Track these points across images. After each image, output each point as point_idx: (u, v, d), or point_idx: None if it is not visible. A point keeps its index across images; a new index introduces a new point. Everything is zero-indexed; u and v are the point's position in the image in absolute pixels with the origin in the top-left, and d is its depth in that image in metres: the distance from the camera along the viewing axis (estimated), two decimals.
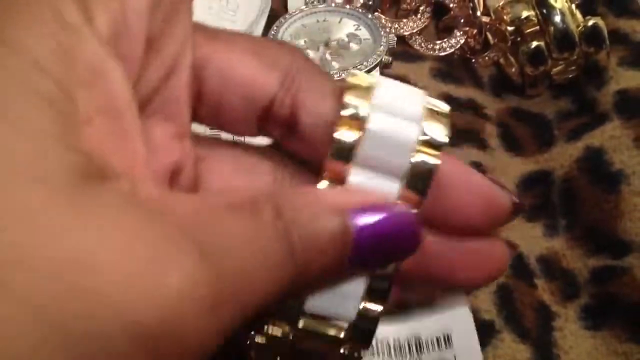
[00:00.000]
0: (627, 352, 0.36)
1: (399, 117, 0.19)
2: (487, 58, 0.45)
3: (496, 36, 0.45)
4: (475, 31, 0.45)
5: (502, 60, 0.46)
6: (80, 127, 0.16)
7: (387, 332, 0.28)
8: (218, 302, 0.16)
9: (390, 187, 0.19)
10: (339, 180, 0.19)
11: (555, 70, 0.45)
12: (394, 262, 0.19)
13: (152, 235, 0.15)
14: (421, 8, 0.47)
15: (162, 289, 0.15)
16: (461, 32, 0.46)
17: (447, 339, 0.30)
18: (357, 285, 0.19)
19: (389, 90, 0.19)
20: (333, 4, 0.44)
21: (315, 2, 0.45)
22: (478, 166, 0.41)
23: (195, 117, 0.22)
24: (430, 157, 0.19)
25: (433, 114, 0.19)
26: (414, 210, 0.19)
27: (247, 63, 0.21)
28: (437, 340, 0.30)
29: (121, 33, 0.17)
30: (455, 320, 0.28)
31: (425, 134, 0.19)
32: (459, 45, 0.46)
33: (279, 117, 0.21)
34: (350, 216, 0.18)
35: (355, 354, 0.20)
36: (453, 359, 0.29)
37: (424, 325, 0.28)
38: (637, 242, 0.37)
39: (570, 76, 0.45)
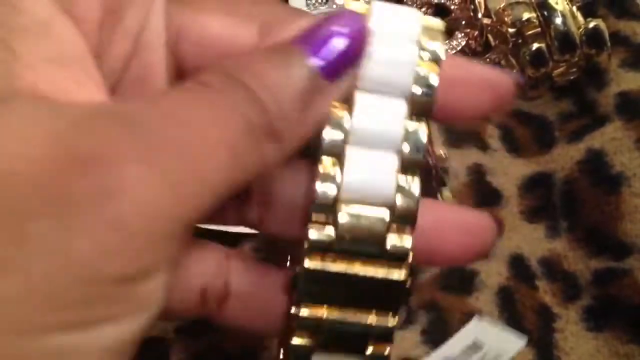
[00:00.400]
0: (629, 353, 0.36)
1: (398, 38, 0.19)
2: (488, 60, 0.45)
3: (497, 38, 0.45)
4: (476, 33, 0.45)
5: (503, 62, 0.46)
6: (19, 70, 0.16)
7: None
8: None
9: (397, 106, 0.19)
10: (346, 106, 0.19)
11: (556, 72, 0.45)
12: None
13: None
14: (422, 10, 0.47)
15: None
16: (462, 34, 0.46)
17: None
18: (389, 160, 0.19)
19: (384, 13, 0.20)
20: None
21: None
22: (479, 167, 0.41)
23: None
24: (431, 72, 0.19)
25: (429, 31, 0.20)
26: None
27: (221, 22, 0.21)
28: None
29: None
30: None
31: (424, 50, 0.19)
32: (460, 47, 0.46)
33: None
34: (298, 45, 0.18)
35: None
36: None
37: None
38: (638, 243, 0.37)
39: (572, 78, 0.45)
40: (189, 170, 0.16)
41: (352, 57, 0.19)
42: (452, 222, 0.21)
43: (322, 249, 0.19)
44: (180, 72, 0.21)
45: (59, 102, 0.16)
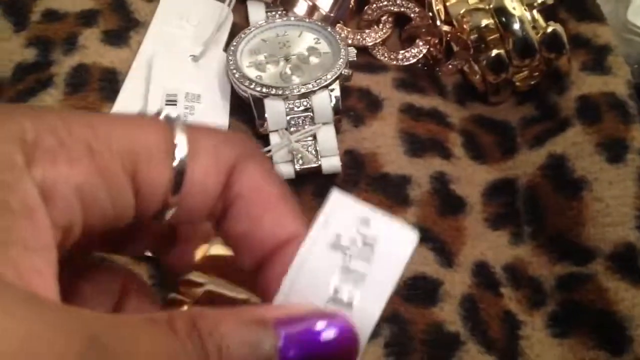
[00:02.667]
0: (594, 358, 0.36)
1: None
2: (450, 66, 0.45)
3: (458, 45, 0.45)
4: (437, 40, 0.45)
5: (465, 68, 0.46)
6: (7, 247, 0.17)
7: None
8: None
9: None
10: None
11: (517, 77, 0.45)
12: None
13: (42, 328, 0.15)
14: (383, 18, 0.47)
15: None
16: (423, 42, 0.46)
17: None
18: None
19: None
20: (292, 18, 0.44)
21: (275, 15, 0.45)
22: (442, 176, 0.41)
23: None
24: None
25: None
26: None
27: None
28: None
29: (52, 194, 0.18)
30: None
31: None
32: (421, 55, 0.46)
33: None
34: (275, 327, 0.18)
35: None
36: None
37: None
38: (600, 248, 0.37)
39: (533, 82, 0.45)
40: None
41: None
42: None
43: None
44: None
45: (32, 289, 0.17)
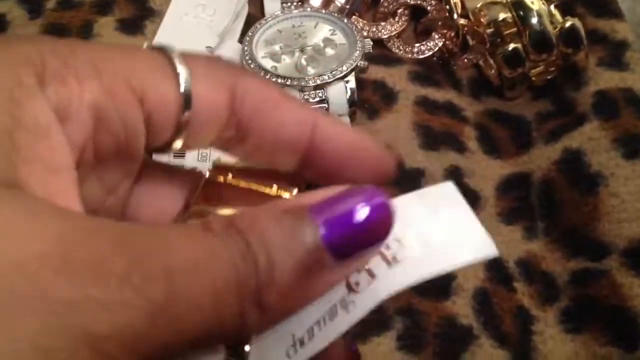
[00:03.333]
0: (607, 355, 0.36)
1: None
2: (466, 60, 0.45)
3: (474, 38, 0.45)
4: (453, 33, 0.45)
5: (481, 63, 0.46)
6: (18, 162, 0.16)
7: None
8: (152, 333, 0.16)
9: None
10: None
11: (534, 71, 0.44)
12: (376, 244, 0.19)
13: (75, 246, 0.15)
14: (399, 11, 0.47)
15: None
16: (439, 35, 0.46)
17: None
18: None
19: None
20: (309, 9, 0.43)
21: (291, 6, 0.44)
22: (457, 169, 0.41)
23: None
24: None
25: None
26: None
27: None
28: None
29: (67, 114, 0.18)
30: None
31: None
32: (437, 48, 0.46)
33: None
34: (313, 213, 0.18)
35: None
36: None
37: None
38: (615, 244, 0.37)
39: (549, 77, 0.44)
40: (171, 307, 0.16)
41: (368, 240, 0.18)
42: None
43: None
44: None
45: (59, 205, 0.16)
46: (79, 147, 0.19)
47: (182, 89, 0.20)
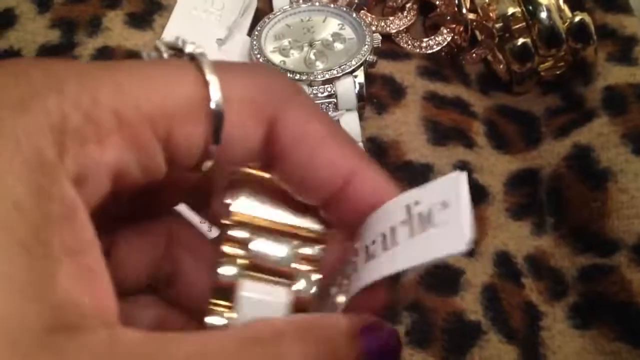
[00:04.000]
0: (615, 351, 0.36)
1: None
2: (474, 55, 0.45)
3: (483, 33, 0.45)
4: (461, 28, 0.45)
5: (489, 57, 0.46)
6: (54, 271, 0.16)
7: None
8: None
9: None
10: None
11: (543, 66, 0.44)
12: None
13: None
14: (407, 5, 0.47)
15: None
16: (448, 30, 0.46)
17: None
18: None
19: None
20: (317, 3, 0.43)
21: (300, 1, 0.44)
22: (465, 165, 0.41)
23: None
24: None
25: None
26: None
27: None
28: None
29: (85, 178, 0.18)
30: None
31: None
32: (445, 43, 0.46)
33: None
34: (362, 335, 0.19)
35: None
36: None
37: None
38: (624, 240, 0.37)
39: (558, 72, 0.44)
40: None
41: None
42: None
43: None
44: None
45: (124, 343, 0.16)
46: (93, 205, 0.18)
47: (212, 125, 0.19)
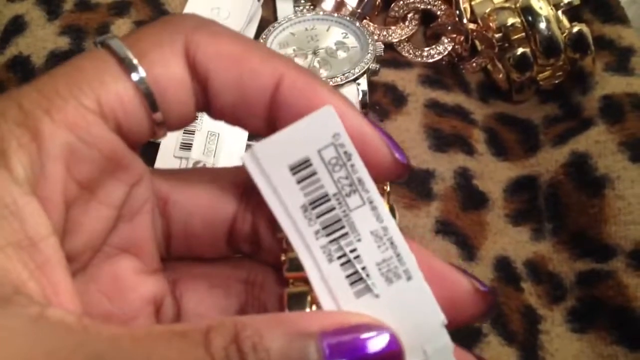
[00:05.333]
0: (613, 355, 0.36)
1: None
2: (474, 64, 0.46)
3: (483, 43, 0.45)
4: (462, 38, 0.46)
5: (489, 67, 0.47)
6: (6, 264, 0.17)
7: None
8: None
9: None
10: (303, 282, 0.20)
11: (541, 76, 0.45)
12: None
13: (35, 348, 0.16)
14: (409, 15, 0.48)
15: None
16: (449, 39, 0.47)
17: None
18: None
19: None
20: (321, 12, 0.44)
21: (304, 10, 0.45)
22: (466, 171, 0.42)
23: (168, 253, 0.23)
24: None
25: None
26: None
27: (204, 193, 0.23)
28: None
29: (39, 175, 0.18)
30: None
31: None
32: (446, 52, 0.47)
33: (243, 233, 0.23)
34: (322, 340, 0.18)
35: None
36: None
37: None
38: (621, 246, 0.38)
39: (557, 82, 0.45)
40: None
41: None
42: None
43: None
44: (166, 233, 0.23)
45: (43, 319, 0.17)
46: (55, 200, 0.19)
47: (141, 90, 0.20)
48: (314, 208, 0.20)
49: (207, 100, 0.21)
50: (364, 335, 0.18)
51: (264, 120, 0.21)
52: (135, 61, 0.20)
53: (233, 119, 0.22)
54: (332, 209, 0.20)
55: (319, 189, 0.20)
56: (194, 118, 0.22)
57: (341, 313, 0.20)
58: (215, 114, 0.22)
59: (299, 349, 0.17)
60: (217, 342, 0.17)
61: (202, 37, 0.20)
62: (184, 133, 0.41)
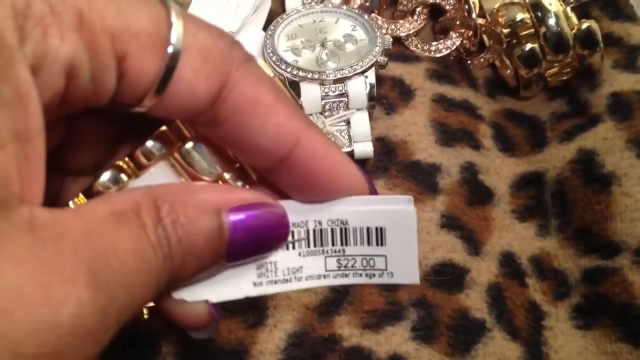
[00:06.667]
0: (617, 351, 0.36)
1: None
2: (482, 60, 0.46)
3: (492, 38, 0.45)
4: (470, 33, 0.46)
5: (497, 62, 0.46)
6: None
7: (308, 214, 0.24)
8: (104, 327, 0.17)
9: None
10: None
11: (549, 72, 0.45)
12: (266, 252, 0.23)
13: (44, 266, 0.16)
14: (418, 9, 0.48)
15: (52, 323, 0.16)
16: (457, 34, 0.47)
17: (380, 234, 0.24)
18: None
19: None
20: (330, 4, 0.44)
21: (312, 2, 0.45)
22: (472, 166, 0.42)
23: None
24: None
25: None
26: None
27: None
28: (367, 232, 0.24)
29: (41, 68, 0.18)
30: (393, 217, 0.24)
31: None
32: (454, 47, 0.47)
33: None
34: (227, 215, 0.21)
35: None
36: (383, 262, 0.25)
37: (354, 210, 0.24)
38: (627, 242, 0.38)
39: (565, 78, 0.45)
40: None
41: (262, 249, 0.23)
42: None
43: None
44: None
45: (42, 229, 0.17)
46: (45, 101, 0.18)
47: (165, 69, 0.19)
48: None
49: (212, 125, 0.22)
50: (260, 211, 0.22)
51: (268, 166, 0.23)
52: (178, 45, 0.20)
53: (232, 146, 0.23)
54: None
55: None
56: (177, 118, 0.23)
57: (241, 190, 0.23)
58: (214, 136, 0.23)
59: (212, 223, 0.20)
60: (148, 222, 0.19)
61: (247, 78, 0.21)
62: None
